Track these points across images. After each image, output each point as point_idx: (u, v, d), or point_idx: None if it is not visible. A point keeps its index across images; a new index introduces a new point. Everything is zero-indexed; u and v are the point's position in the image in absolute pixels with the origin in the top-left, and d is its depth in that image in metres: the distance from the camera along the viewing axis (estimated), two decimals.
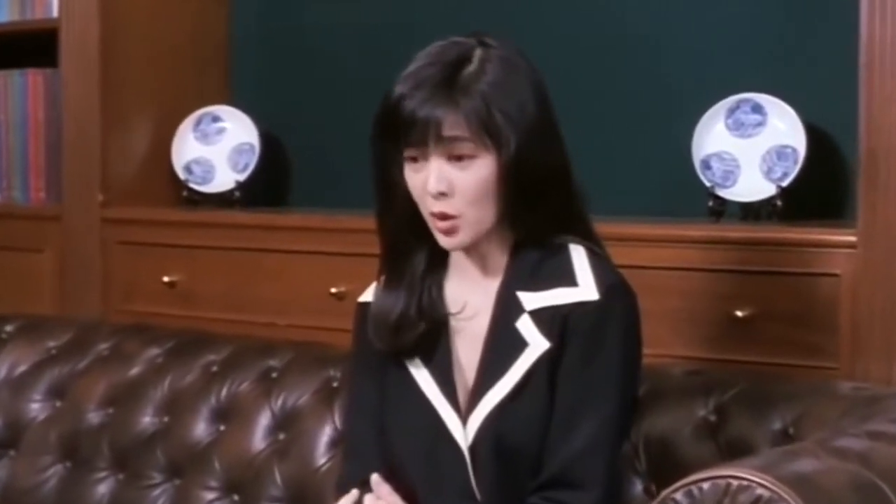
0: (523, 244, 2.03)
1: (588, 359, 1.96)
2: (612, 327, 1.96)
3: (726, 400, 2.23)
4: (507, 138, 1.95)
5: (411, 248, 2.06)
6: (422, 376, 2.05)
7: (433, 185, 1.96)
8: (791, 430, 2.15)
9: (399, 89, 1.97)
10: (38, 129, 3.44)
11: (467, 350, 2.05)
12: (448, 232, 1.99)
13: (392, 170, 2.02)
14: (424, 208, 2.00)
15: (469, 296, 2.06)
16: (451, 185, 1.96)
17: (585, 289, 1.98)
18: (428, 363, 2.05)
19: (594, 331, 1.96)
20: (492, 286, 2.04)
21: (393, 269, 2.08)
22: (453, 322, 2.07)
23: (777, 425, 2.17)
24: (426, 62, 1.98)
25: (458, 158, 1.96)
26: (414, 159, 1.99)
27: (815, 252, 2.39)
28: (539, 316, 1.99)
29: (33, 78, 3.43)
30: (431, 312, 2.06)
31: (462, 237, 2.00)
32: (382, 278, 2.10)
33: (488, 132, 1.95)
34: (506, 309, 2.01)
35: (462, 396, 2.03)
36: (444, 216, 1.97)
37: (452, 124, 1.94)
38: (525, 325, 1.99)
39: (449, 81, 1.95)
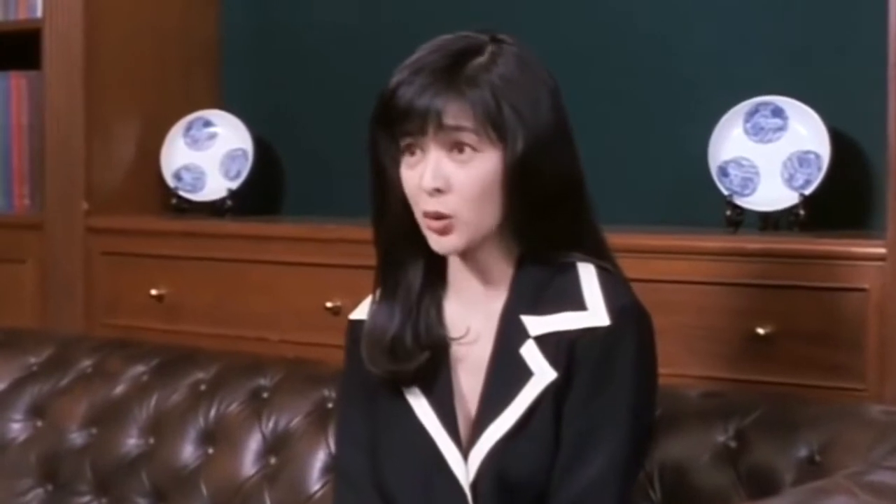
0: (528, 260, 1.89)
1: (597, 389, 1.83)
2: (623, 355, 1.83)
3: (747, 424, 2.15)
4: (515, 135, 1.81)
5: (407, 258, 1.92)
6: (420, 405, 1.92)
7: (428, 181, 1.82)
8: (818, 458, 2.06)
9: (397, 77, 1.84)
10: (21, 134, 3.38)
11: (469, 378, 1.91)
12: (441, 232, 1.84)
13: (388, 168, 1.88)
14: (418, 209, 1.86)
15: (471, 319, 1.93)
16: (448, 182, 1.82)
17: (594, 313, 1.85)
18: (427, 391, 1.92)
19: (603, 360, 1.83)
20: (494, 308, 1.91)
21: (388, 280, 1.95)
22: (455, 347, 1.93)
23: (803, 452, 2.09)
24: (429, 50, 1.85)
25: (459, 150, 1.82)
26: (411, 152, 1.84)
27: (840, 265, 2.33)
28: (545, 342, 1.85)
29: (16, 80, 3.37)
30: (430, 338, 1.92)
31: (455, 239, 1.85)
32: (378, 291, 1.97)
33: (495, 126, 1.81)
34: (509, 334, 1.88)
35: (463, 427, 1.89)
36: (437, 216, 1.83)
37: (456, 113, 1.80)
38: (530, 352, 1.86)
39: (454, 69, 1.82)
